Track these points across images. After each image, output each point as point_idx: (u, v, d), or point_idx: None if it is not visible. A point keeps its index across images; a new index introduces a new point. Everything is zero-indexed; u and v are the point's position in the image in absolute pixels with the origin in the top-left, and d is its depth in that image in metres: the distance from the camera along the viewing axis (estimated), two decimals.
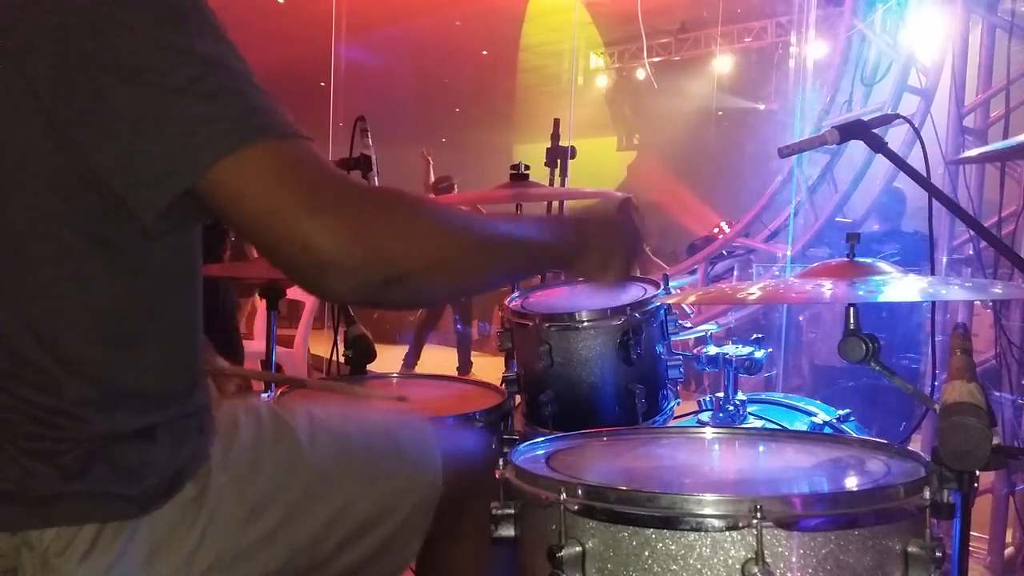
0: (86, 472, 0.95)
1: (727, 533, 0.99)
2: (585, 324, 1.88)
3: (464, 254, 1.00)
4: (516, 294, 2.16)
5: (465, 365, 7.54)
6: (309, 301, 5.35)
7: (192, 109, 0.86)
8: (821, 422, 2.08)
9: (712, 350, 2.06)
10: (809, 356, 6.05)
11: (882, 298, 1.30)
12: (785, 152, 1.94)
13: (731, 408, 2.02)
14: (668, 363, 1.98)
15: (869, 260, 1.40)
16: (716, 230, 7.12)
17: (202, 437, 1.06)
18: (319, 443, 1.19)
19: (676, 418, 2.04)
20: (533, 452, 1.34)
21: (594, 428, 1.50)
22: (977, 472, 1.07)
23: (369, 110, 2.62)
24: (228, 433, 1.11)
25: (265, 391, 2.17)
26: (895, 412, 3.71)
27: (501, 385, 1.99)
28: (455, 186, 7.47)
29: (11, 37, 0.89)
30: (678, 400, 2.03)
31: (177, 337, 1.05)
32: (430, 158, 7.61)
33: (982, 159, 3.33)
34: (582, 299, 2.18)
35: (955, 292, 1.52)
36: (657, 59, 12.28)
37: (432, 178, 7.57)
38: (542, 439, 1.40)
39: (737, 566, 0.99)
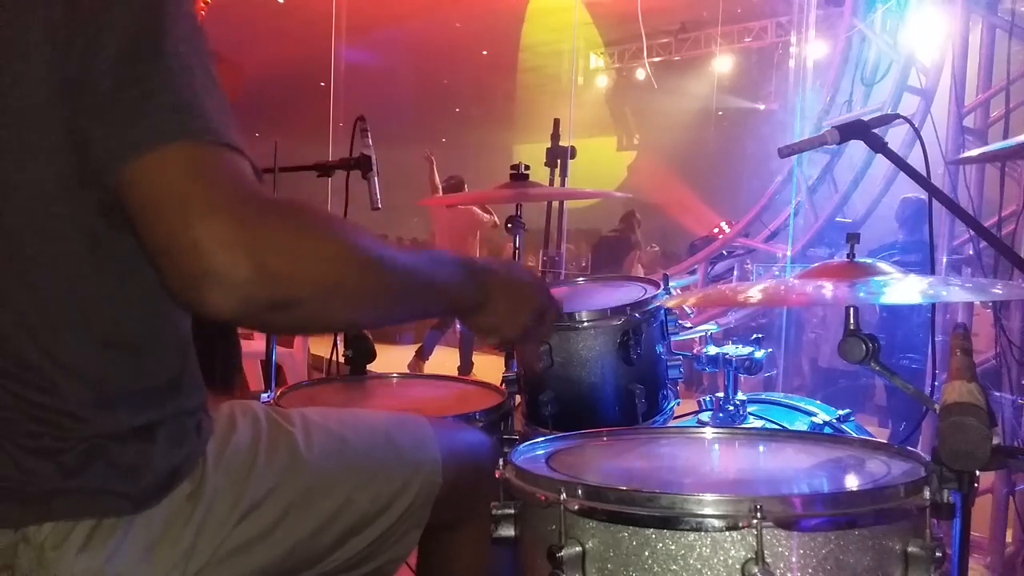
0: (85, 470, 0.95)
1: (727, 533, 0.99)
2: (585, 324, 1.87)
3: (366, 284, 0.93)
4: None
5: (467, 365, 7.55)
6: None
7: (137, 101, 0.86)
8: (821, 422, 2.08)
9: (712, 350, 2.06)
10: (810, 356, 6.06)
11: (884, 300, 1.29)
12: (785, 152, 1.93)
13: (731, 408, 2.02)
14: (668, 363, 1.98)
15: (869, 260, 1.40)
16: (716, 230, 7.13)
17: (199, 436, 1.06)
18: (315, 442, 1.20)
19: (676, 418, 2.04)
20: (533, 452, 1.34)
21: (594, 428, 1.50)
22: (977, 472, 1.07)
23: (369, 110, 2.62)
24: (224, 432, 1.11)
25: (264, 392, 2.17)
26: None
27: (501, 385, 2.00)
28: (464, 183, 7.47)
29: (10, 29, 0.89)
30: (678, 400, 2.03)
31: (174, 337, 1.05)
32: (433, 158, 7.61)
33: (982, 159, 3.33)
34: (582, 299, 2.18)
35: (956, 293, 1.52)
36: (657, 59, 12.28)
37: (437, 178, 7.57)
38: (542, 439, 1.40)
39: (737, 566, 0.99)
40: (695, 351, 2.10)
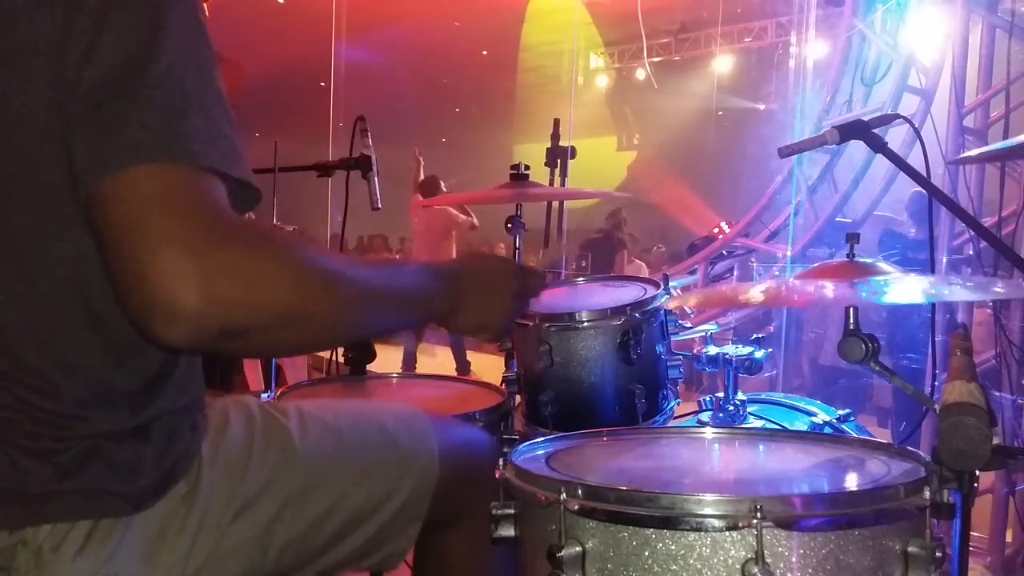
0: (82, 470, 0.95)
1: (727, 533, 0.99)
2: (585, 324, 1.87)
3: (327, 310, 0.92)
4: None
5: (463, 366, 7.52)
6: None
7: (118, 115, 0.84)
8: (821, 422, 2.08)
9: (712, 350, 2.06)
10: (811, 355, 6.06)
11: (886, 300, 1.29)
12: (785, 152, 1.94)
13: (731, 408, 2.02)
14: (668, 363, 1.98)
15: (869, 260, 1.40)
16: (716, 230, 7.13)
17: (194, 434, 1.06)
18: (311, 438, 1.19)
19: (676, 418, 2.04)
20: (533, 452, 1.34)
21: (594, 428, 1.50)
22: (977, 472, 1.07)
23: (369, 110, 2.62)
24: (219, 430, 1.11)
25: (264, 392, 2.17)
26: None
27: (501, 385, 2.00)
28: (440, 183, 7.41)
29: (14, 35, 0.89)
30: (678, 400, 2.03)
31: None
32: (421, 158, 7.60)
33: (982, 159, 3.33)
34: (582, 299, 2.18)
35: (957, 292, 1.52)
36: (657, 59, 12.29)
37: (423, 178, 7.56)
38: (542, 439, 1.40)
39: (737, 566, 0.99)
40: (695, 351, 2.10)
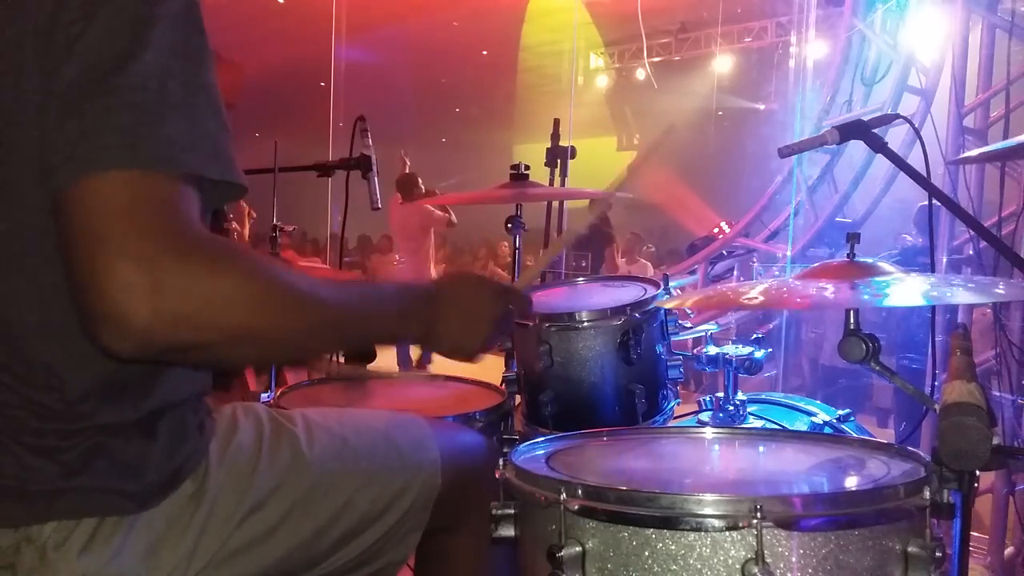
0: (87, 468, 0.95)
1: (727, 533, 0.99)
2: (585, 324, 1.87)
3: (284, 327, 0.92)
4: None
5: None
6: None
7: (96, 116, 0.84)
8: (821, 422, 2.08)
9: (712, 350, 2.06)
10: (811, 355, 6.06)
11: (887, 302, 1.29)
12: (785, 152, 1.93)
13: (731, 408, 2.02)
14: (668, 363, 1.98)
15: (869, 260, 1.39)
16: (716, 230, 7.13)
17: (201, 435, 1.07)
18: (317, 442, 1.20)
19: (676, 418, 2.04)
20: (533, 452, 1.34)
21: (594, 428, 1.50)
22: (977, 472, 1.07)
23: (369, 110, 2.63)
24: (227, 432, 1.12)
25: (264, 392, 2.17)
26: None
27: (501, 385, 1.99)
28: (419, 181, 7.39)
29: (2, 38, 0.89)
30: (678, 400, 2.03)
31: None
32: (407, 159, 7.60)
33: (982, 159, 3.34)
34: (582, 299, 2.18)
35: (960, 295, 1.51)
36: (657, 59, 12.29)
37: None
38: (542, 439, 1.40)
39: (737, 566, 0.99)
40: (695, 351, 2.10)
